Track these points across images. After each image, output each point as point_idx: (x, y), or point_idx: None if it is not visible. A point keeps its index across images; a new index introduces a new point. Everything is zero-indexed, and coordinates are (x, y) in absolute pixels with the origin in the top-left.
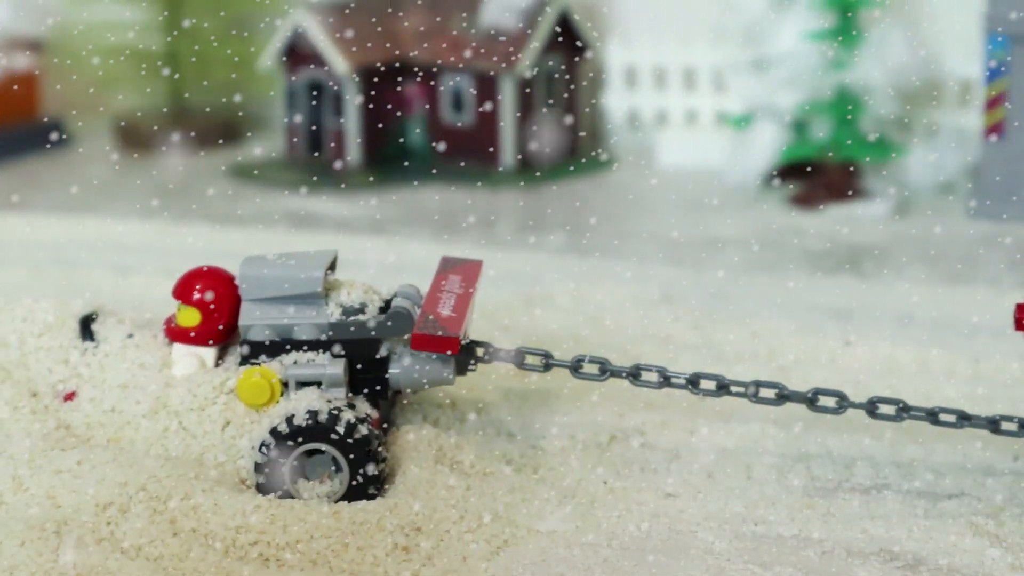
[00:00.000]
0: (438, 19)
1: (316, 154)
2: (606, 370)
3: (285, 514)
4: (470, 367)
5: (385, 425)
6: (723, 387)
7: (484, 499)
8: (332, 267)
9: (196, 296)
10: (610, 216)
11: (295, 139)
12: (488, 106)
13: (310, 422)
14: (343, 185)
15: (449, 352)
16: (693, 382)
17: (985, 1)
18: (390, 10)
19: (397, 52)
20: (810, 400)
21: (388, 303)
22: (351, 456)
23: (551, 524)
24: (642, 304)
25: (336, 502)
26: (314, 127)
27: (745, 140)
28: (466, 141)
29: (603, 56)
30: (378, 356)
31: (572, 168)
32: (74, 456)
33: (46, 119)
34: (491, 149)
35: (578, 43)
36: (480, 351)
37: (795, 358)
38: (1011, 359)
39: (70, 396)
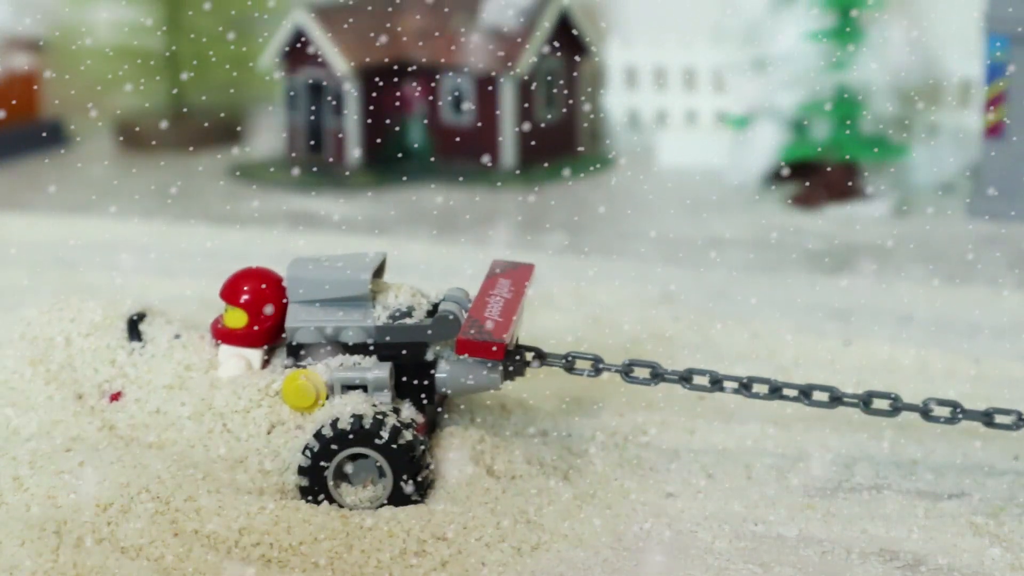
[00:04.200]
0: (438, 19)
1: (316, 154)
2: (657, 374)
3: (290, 516)
4: (518, 372)
5: (431, 430)
6: (776, 390)
7: (515, 501)
8: (381, 270)
9: (243, 297)
10: (610, 216)
11: (295, 139)
12: (488, 106)
13: (354, 426)
14: (335, 188)
15: (494, 358)
16: (746, 386)
17: (985, 1)
18: (390, 10)
19: (397, 52)
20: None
21: (436, 307)
22: (395, 462)
23: (576, 528)
24: (642, 304)
25: (379, 508)
26: (314, 127)
27: (745, 140)
28: (466, 141)
29: (603, 56)
30: (424, 360)
31: (572, 168)
32: (76, 457)
33: (46, 119)
34: (491, 149)
35: (578, 43)
36: (529, 356)
37: (795, 358)
38: (1011, 359)
39: (116, 396)
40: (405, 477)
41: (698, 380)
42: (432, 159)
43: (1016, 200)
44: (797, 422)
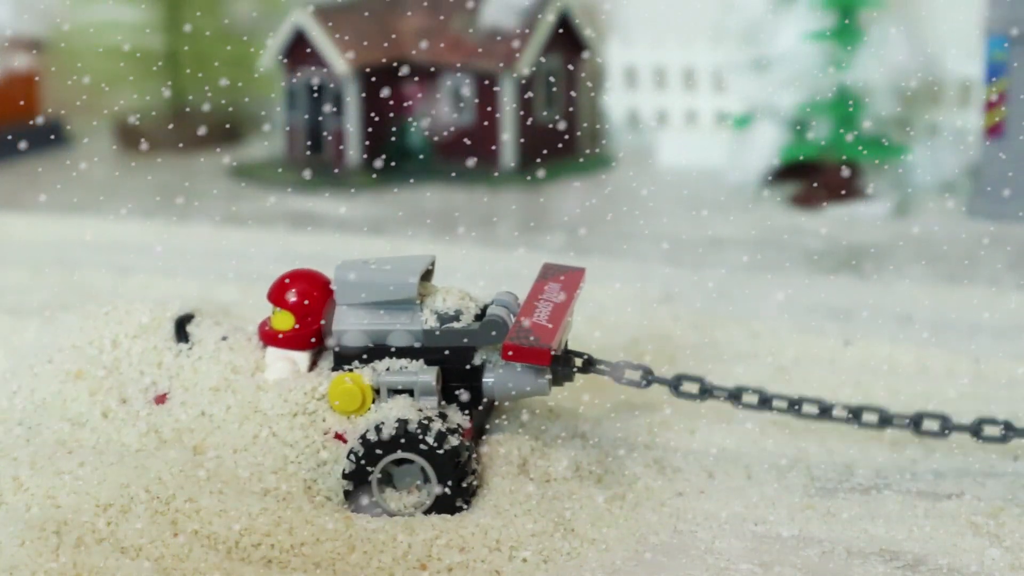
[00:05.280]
0: (438, 19)
1: (316, 154)
2: (706, 390)
3: (292, 517)
4: (567, 377)
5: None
6: (826, 411)
7: (553, 506)
8: (429, 273)
9: (290, 300)
10: (610, 216)
11: (295, 139)
12: (488, 106)
13: (400, 431)
14: (334, 189)
15: (541, 363)
16: (795, 405)
17: (985, 2)
18: (390, 10)
19: (397, 52)
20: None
21: (484, 311)
22: (440, 467)
23: (606, 533)
24: (642, 304)
25: (424, 514)
26: (314, 127)
27: (745, 140)
28: (466, 141)
29: (603, 56)
30: (472, 364)
31: (572, 168)
32: (77, 458)
33: (46, 119)
34: (491, 149)
35: (578, 43)
36: (578, 362)
37: (795, 358)
38: (1011, 359)
39: (162, 398)
40: (450, 483)
41: (747, 399)
42: (432, 159)
43: (1016, 200)
44: (797, 422)
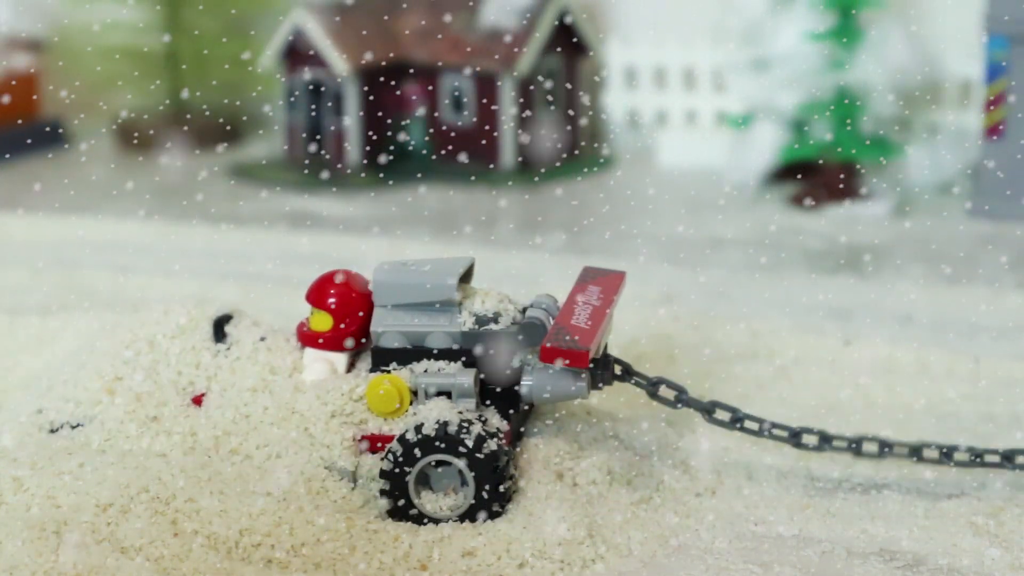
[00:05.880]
0: (438, 19)
1: (316, 154)
2: (738, 419)
3: (293, 518)
4: (606, 381)
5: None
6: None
7: (586, 511)
8: (468, 275)
9: (329, 301)
10: (610, 216)
11: (295, 139)
12: (488, 106)
13: (439, 433)
14: (335, 188)
15: (579, 366)
16: (826, 441)
17: (985, 1)
18: (390, 10)
19: (397, 52)
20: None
21: (523, 313)
22: (478, 471)
23: (630, 539)
24: (642, 304)
25: (460, 518)
26: (314, 127)
27: (745, 140)
28: (466, 141)
29: (603, 56)
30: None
31: (572, 168)
32: (77, 458)
33: (46, 119)
34: (491, 149)
35: (578, 43)
36: (617, 369)
37: (795, 358)
38: (1011, 359)
39: (199, 399)
40: (488, 487)
41: (778, 433)
42: (432, 159)
43: (1016, 200)
44: (797, 422)
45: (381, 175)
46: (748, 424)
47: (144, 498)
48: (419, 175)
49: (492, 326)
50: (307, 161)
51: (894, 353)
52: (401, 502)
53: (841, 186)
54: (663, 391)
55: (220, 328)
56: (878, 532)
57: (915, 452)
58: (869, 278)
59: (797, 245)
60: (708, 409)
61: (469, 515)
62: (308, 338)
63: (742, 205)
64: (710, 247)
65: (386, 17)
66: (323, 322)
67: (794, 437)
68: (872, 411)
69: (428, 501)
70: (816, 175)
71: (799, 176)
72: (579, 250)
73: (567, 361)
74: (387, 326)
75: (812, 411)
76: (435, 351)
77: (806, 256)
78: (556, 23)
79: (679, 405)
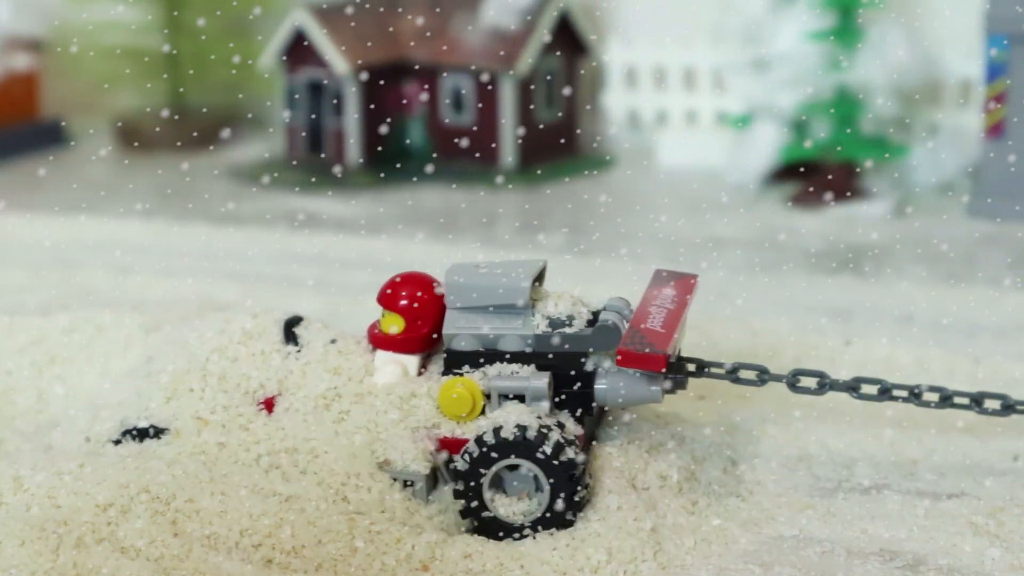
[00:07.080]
0: (438, 19)
1: (316, 154)
2: (825, 383)
3: (295, 519)
4: (681, 385)
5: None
6: (947, 399)
7: (650, 517)
8: (540, 278)
9: (400, 303)
10: (610, 216)
11: (295, 139)
12: (488, 106)
13: (517, 437)
14: (334, 189)
15: (656, 369)
16: (914, 393)
17: (985, 1)
18: (390, 10)
19: (397, 52)
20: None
21: (596, 316)
22: (554, 478)
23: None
24: None
25: (532, 524)
26: (314, 127)
27: (745, 140)
28: (466, 141)
29: (603, 56)
30: (584, 371)
31: (572, 168)
32: (77, 458)
33: (46, 119)
34: (491, 149)
35: (578, 43)
36: (691, 367)
37: (795, 358)
38: (1011, 359)
39: (269, 402)
40: (563, 494)
41: (866, 389)
42: (432, 159)
43: (1016, 200)
44: (797, 421)
45: (381, 175)
46: (836, 386)
47: (144, 498)
48: (419, 175)
49: (566, 329)
50: (307, 161)
51: (894, 353)
52: (474, 504)
53: (841, 186)
54: (744, 374)
55: (290, 330)
56: (878, 532)
57: (1009, 407)
58: (869, 278)
59: (797, 245)
60: (792, 381)
61: (542, 522)
62: (380, 340)
63: (742, 205)
64: (710, 247)
65: (386, 17)
66: (394, 324)
67: (884, 393)
68: (872, 411)
69: (501, 504)
70: (816, 175)
71: (796, 175)
72: (579, 250)
73: (644, 364)
74: (459, 328)
75: (812, 410)
76: (508, 354)
77: (806, 256)
78: (556, 23)
79: (760, 383)
